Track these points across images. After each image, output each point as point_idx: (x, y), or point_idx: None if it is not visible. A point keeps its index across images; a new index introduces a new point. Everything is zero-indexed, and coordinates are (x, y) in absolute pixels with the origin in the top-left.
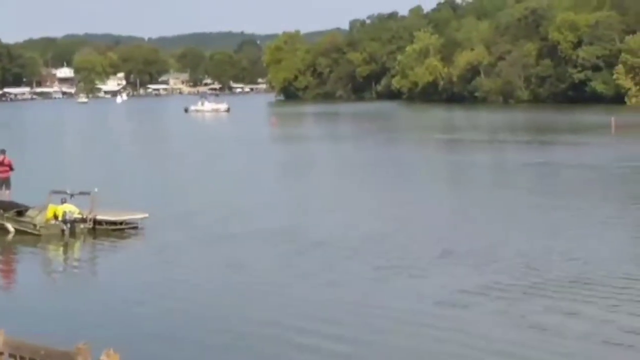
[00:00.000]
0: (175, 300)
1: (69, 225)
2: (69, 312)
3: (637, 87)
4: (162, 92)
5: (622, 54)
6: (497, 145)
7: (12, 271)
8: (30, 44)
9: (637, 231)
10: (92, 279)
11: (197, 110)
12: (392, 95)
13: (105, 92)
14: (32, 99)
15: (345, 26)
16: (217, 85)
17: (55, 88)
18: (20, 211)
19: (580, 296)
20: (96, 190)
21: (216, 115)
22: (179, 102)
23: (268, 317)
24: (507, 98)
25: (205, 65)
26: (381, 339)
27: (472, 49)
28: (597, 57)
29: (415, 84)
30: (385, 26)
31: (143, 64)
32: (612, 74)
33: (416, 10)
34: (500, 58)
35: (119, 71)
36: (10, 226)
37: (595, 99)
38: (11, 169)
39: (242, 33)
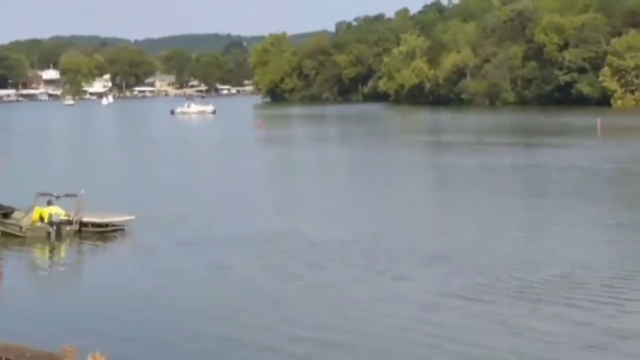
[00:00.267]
0: (159, 304)
1: (55, 227)
2: (55, 315)
3: (623, 89)
4: (148, 94)
5: (608, 56)
6: (483, 148)
7: None
8: (16, 45)
9: (621, 233)
10: (78, 281)
11: (183, 113)
12: (379, 97)
13: (91, 94)
14: (18, 100)
15: (332, 28)
16: (203, 87)
17: (41, 90)
18: (6, 213)
19: (564, 299)
20: (82, 192)
21: (202, 117)
22: (165, 104)
23: (252, 321)
24: (493, 100)
25: (192, 67)
26: (364, 341)
27: (458, 51)
28: (583, 59)
29: (402, 86)
30: (372, 28)
31: (129, 66)
32: (598, 76)
33: (402, 13)
34: (486, 60)
35: (105, 73)
36: None
37: (581, 101)
38: None
39: (228, 35)
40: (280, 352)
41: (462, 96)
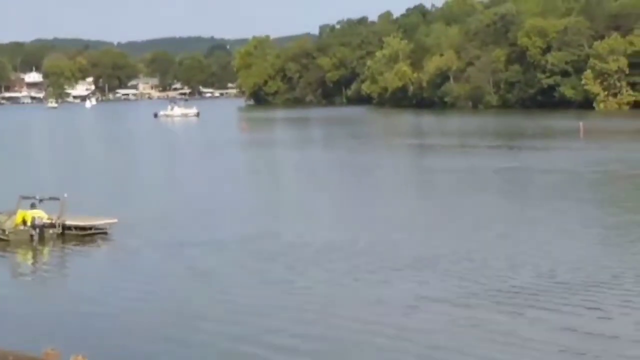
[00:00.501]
0: (141, 307)
1: (37, 230)
2: (37, 318)
3: (606, 92)
4: (131, 97)
5: (591, 60)
6: (467, 151)
7: None
8: None
9: (604, 236)
10: (61, 285)
11: (166, 115)
12: (362, 100)
13: (74, 97)
14: (0, 104)
15: (315, 31)
16: (186, 90)
17: (24, 93)
18: None
19: (545, 303)
20: (65, 195)
21: (185, 120)
22: (148, 107)
23: (232, 324)
24: (476, 103)
25: (175, 70)
26: (343, 345)
27: (442, 55)
28: (566, 63)
29: (385, 89)
30: (355, 31)
31: (112, 69)
32: (581, 79)
33: (386, 16)
34: (470, 63)
35: (88, 76)
36: None
37: (564, 104)
38: None
39: (212, 38)
40: (260, 354)
41: (446, 99)
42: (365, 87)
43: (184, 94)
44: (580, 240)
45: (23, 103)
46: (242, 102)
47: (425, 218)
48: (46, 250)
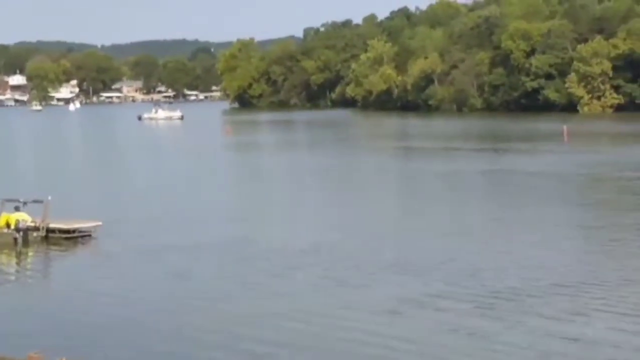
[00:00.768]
0: (125, 312)
1: (21, 233)
2: (21, 321)
3: (589, 95)
4: (115, 99)
5: (575, 63)
6: (451, 153)
7: None
8: None
9: (587, 239)
10: (45, 288)
11: (150, 118)
12: (347, 103)
13: (58, 100)
14: None
15: (300, 34)
16: (171, 93)
17: (7, 96)
18: None
19: (526, 306)
20: (49, 198)
21: (170, 123)
22: (133, 109)
23: (212, 327)
24: (460, 106)
25: (159, 73)
26: (326, 352)
27: (426, 57)
28: (550, 66)
29: (370, 92)
30: (340, 34)
31: (96, 72)
32: (565, 82)
33: (370, 19)
34: (454, 66)
35: (72, 79)
36: None
37: (548, 107)
38: None
39: (196, 41)
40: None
41: (430, 102)
42: (350, 90)
43: (168, 97)
44: (564, 244)
45: (7, 106)
46: (226, 105)
47: (408, 221)
48: (30, 253)
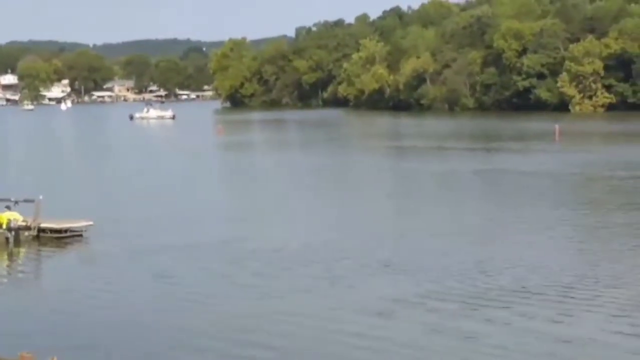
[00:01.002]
0: (115, 311)
1: (13, 233)
2: (12, 321)
3: (581, 94)
4: (107, 99)
5: (566, 62)
6: (443, 153)
7: None
8: None
9: (577, 239)
10: (36, 288)
11: (142, 118)
12: (339, 102)
13: (50, 99)
14: None
15: (292, 33)
16: (162, 93)
17: None
18: None
19: (517, 305)
20: (41, 197)
21: (161, 122)
22: (124, 109)
23: (200, 328)
24: (452, 105)
25: (151, 73)
26: (312, 350)
27: (418, 57)
28: (542, 65)
29: (362, 91)
30: (332, 34)
31: (88, 71)
32: (557, 82)
33: (362, 18)
34: (446, 66)
35: (64, 78)
36: None
37: (539, 107)
38: None
39: (188, 40)
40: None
41: (422, 101)
42: (342, 90)
43: (160, 96)
44: (556, 243)
45: None
46: (218, 104)
47: (401, 221)
48: (21, 252)
